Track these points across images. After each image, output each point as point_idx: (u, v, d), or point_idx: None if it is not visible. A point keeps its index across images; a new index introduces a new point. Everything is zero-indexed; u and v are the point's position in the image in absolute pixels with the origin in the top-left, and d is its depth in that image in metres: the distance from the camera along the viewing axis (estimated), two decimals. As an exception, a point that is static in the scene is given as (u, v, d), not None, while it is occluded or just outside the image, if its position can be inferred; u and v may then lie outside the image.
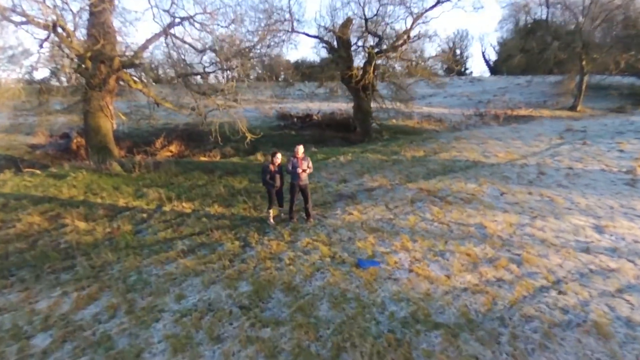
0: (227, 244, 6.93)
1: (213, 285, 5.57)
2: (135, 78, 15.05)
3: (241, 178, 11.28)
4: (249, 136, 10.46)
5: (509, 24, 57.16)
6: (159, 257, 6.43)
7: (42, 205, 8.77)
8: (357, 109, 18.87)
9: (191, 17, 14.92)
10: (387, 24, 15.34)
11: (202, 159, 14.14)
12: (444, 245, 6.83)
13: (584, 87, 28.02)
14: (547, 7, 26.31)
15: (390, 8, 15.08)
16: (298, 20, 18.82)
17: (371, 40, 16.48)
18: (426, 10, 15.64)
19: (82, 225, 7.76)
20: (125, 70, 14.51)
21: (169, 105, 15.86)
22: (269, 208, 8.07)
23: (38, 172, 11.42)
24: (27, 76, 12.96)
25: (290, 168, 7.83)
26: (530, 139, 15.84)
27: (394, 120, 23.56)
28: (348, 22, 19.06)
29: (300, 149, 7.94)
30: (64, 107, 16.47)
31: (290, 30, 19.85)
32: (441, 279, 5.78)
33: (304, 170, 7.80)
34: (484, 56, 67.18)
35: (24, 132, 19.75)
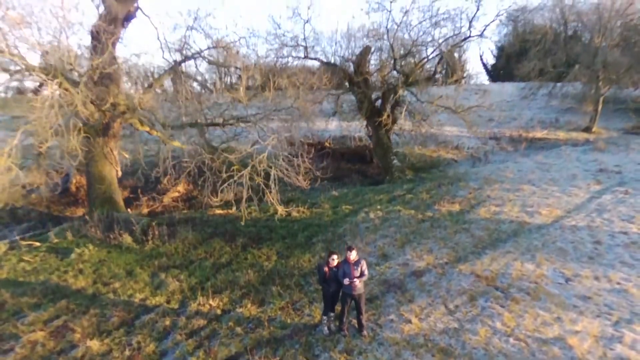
0: (276, 385, 5.77)
1: None
2: (141, 119, 13.70)
3: (268, 250, 10.09)
4: (280, 210, 9.28)
5: (507, 28, 56.33)
6: (198, 416, 5.25)
7: (45, 308, 7.50)
8: (377, 144, 17.76)
9: (202, 51, 13.67)
10: (413, 57, 14.20)
11: (218, 212, 12.88)
12: (534, 384, 5.76)
13: (599, 108, 27.28)
14: (565, 25, 25.39)
15: (419, 48, 13.94)
16: (312, 47, 17.55)
17: (395, 75, 15.35)
18: (454, 46, 14.55)
19: (95, 345, 6.53)
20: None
21: (177, 144, 14.59)
22: (324, 314, 6.98)
23: (37, 244, 10.10)
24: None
25: (340, 276, 6.67)
26: (566, 184, 14.86)
27: (409, 148, 22.49)
28: (366, 51, 17.90)
29: (353, 254, 6.79)
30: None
31: (303, 56, 18.68)
32: None
33: (358, 278, 6.65)
34: (481, 60, 65.95)
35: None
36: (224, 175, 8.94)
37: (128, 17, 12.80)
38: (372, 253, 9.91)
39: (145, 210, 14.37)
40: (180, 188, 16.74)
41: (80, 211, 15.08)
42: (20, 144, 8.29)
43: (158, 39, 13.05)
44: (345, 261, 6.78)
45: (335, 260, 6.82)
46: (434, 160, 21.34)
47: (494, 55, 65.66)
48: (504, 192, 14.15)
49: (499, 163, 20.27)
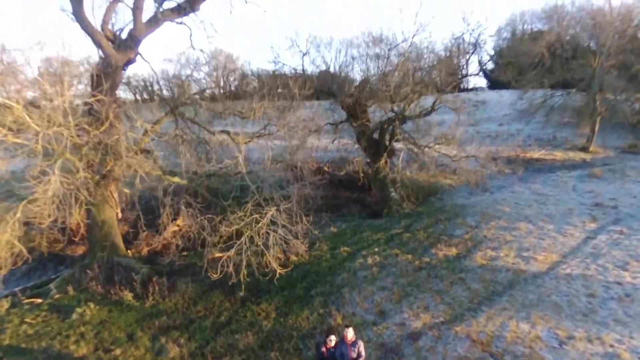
0: None
1: None
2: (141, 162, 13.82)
3: (267, 305, 10.23)
4: (279, 271, 9.42)
5: (506, 33, 56.96)
6: None
7: (48, 381, 7.62)
8: (376, 175, 17.92)
9: (202, 90, 13.84)
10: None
11: (217, 255, 12.99)
12: None
13: (596, 128, 27.55)
14: (562, 47, 25.59)
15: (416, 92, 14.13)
16: (312, 81, 17.75)
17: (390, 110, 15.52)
18: (450, 85, 14.71)
19: None
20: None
21: (177, 180, 14.72)
22: None
23: (38, 300, 10.22)
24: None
25: (338, 357, 6.81)
26: (562, 221, 15.00)
27: (407, 173, 22.61)
28: (365, 83, 18.08)
29: (350, 333, 6.93)
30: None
31: (302, 89, 18.87)
32: None
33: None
34: (480, 65, 65.82)
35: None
36: (222, 245, 9.09)
37: (128, 62, 12.91)
38: (369, 309, 10.04)
39: (145, 250, 14.49)
40: (180, 222, 16.83)
41: (80, 249, 15.20)
42: (22, 216, 8.43)
43: (157, 82, 13.17)
44: (343, 341, 6.92)
45: (332, 341, 6.96)
46: (431, 187, 21.46)
47: (493, 60, 65.52)
48: (501, 231, 14.29)
49: (497, 191, 20.45)
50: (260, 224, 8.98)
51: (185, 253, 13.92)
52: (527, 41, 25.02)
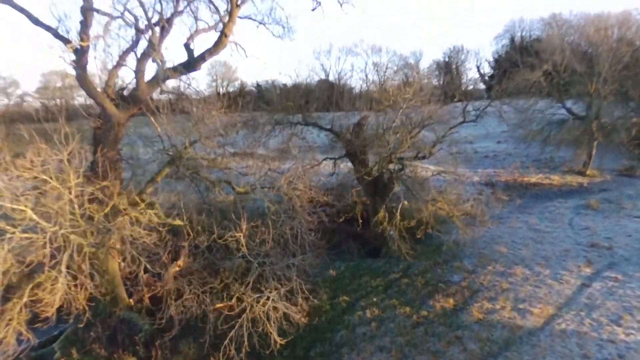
0: None
1: None
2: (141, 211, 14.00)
3: (268, 364, 10.44)
4: (279, 341, 9.62)
5: (504, 40, 57.25)
6: None
7: None
8: (374, 212, 18.15)
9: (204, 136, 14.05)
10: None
11: (219, 306, 13.17)
12: None
13: (593, 153, 27.85)
14: (560, 77, 25.88)
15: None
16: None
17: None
18: (450, 129, 14.98)
19: None
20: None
21: (178, 223, 14.88)
22: None
23: (43, 365, 10.39)
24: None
25: None
26: (558, 265, 15.23)
27: (406, 202, 22.82)
28: (364, 120, 18.34)
29: None
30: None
31: (302, 123, 19.16)
32: None
33: None
34: (479, 71, 66.17)
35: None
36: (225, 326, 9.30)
37: (131, 115, 13.12)
38: (368, 375, 10.26)
39: (147, 297, 14.64)
40: (181, 262, 17.03)
41: (82, 295, 15.34)
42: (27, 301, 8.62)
43: (159, 136, 13.34)
44: None
45: None
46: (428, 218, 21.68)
47: (491, 66, 65.68)
48: (498, 277, 14.50)
49: (494, 225, 20.64)
50: (261, 303, 9.22)
51: (185, 299, 14.05)
52: (524, 70, 25.28)
